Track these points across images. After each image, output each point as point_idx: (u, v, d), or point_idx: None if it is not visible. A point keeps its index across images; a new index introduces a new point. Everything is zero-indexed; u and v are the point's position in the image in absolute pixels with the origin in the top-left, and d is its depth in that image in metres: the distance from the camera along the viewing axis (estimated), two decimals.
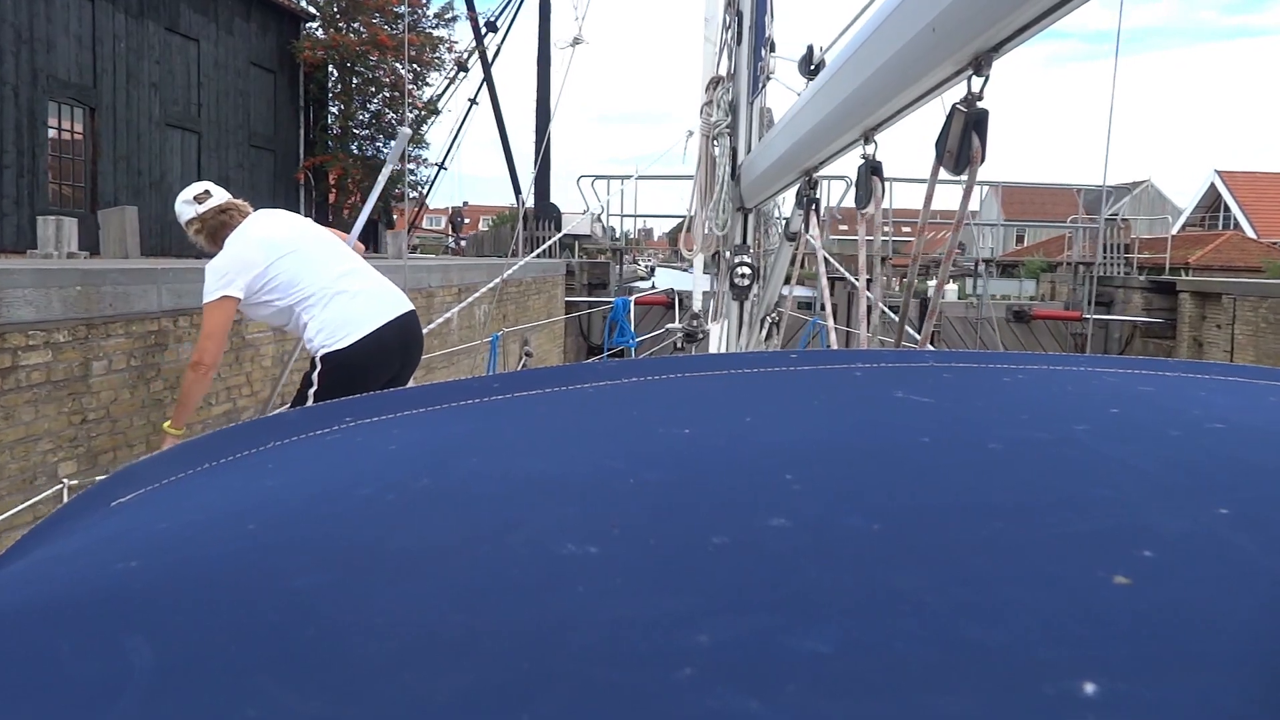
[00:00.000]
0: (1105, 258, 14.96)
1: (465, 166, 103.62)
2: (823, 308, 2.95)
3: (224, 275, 3.07)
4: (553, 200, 17.16)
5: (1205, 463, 0.44)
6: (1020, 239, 19.27)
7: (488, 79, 18.57)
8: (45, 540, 0.49)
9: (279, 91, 16.15)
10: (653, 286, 12.58)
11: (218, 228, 3.22)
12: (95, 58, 11.68)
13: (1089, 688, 0.26)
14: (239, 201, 3.33)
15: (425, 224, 26.98)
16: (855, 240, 2.17)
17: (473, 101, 19.19)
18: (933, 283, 14.39)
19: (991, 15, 1.05)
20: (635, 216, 15.66)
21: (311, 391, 3.05)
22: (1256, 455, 0.46)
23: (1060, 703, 0.25)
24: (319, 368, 3.06)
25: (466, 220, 25.34)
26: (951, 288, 15.74)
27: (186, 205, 3.26)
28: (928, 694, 0.26)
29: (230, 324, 3.14)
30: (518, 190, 18.53)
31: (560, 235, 12.27)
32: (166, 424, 3.20)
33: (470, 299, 6.77)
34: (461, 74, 19.00)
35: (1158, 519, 0.37)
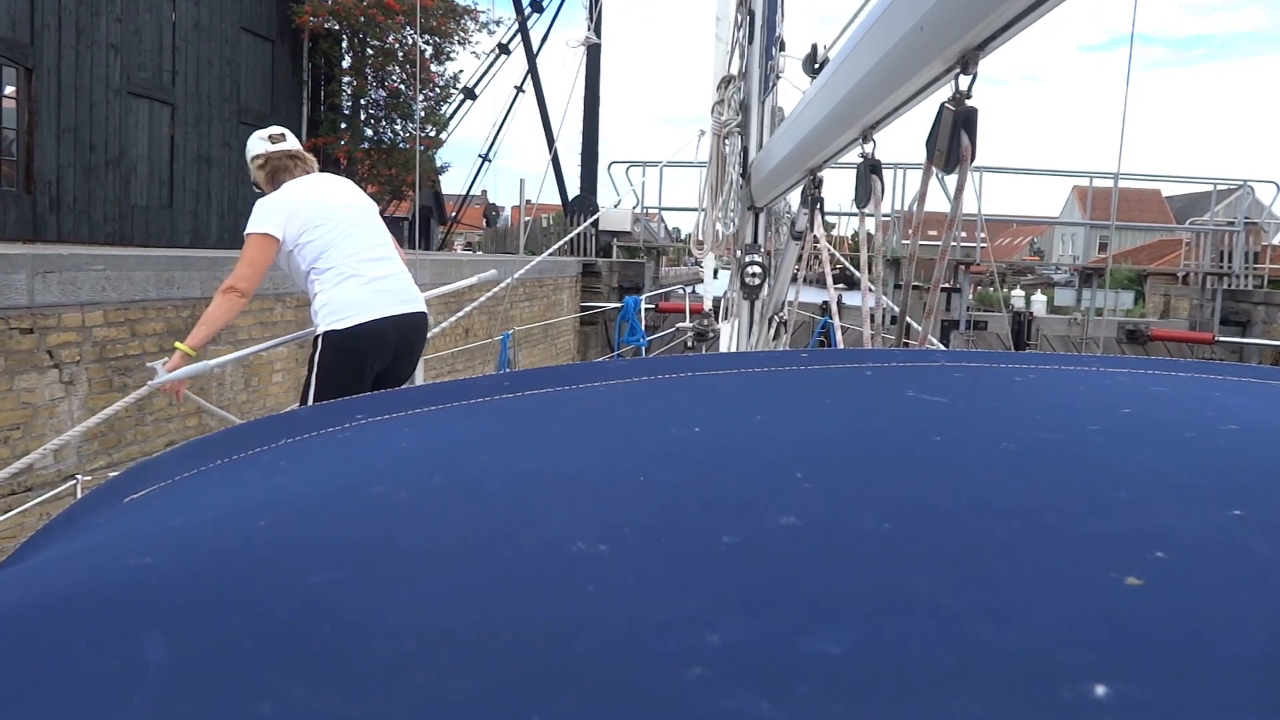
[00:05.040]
0: (1242, 268, 12.67)
1: (525, 163, 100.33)
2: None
3: (271, 213, 3.11)
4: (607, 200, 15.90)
5: (1219, 464, 0.44)
6: (1103, 246, 17.81)
7: (531, 64, 17.23)
8: (59, 536, 0.49)
9: (278, 63, 14.10)
10: (692, 290, 11.53)
11: (278, 170, 3.27)
12: (34, 9, 9.69)
13: (1105, 691, 0.26)
14: (310, 158, 3.39)
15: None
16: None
17: (519, 89, 17.84)
18: (1016, 292, 13.78)
19: (974, 13, 1.06)
20: (692, 211, 14.24)
21: (314, 374, 3.08)
22: (1271, 456, 0.46)
23: (1076, 706, 0.25)
24: (319, 347, 3.09)
25: (501, 216, 24.33)
26: (1040, 299, 14.58)
27: (259, 140, 3.33)
28: (941, 696, 0.26)
29: (269, 262, 3.14)
30: (562, 188, 17.43)
31: (578, 231, 11.26)
32: (179, 342, 3.13)
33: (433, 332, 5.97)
34: (503, 56, 17.40)
35: (1172, 521, 0.37)
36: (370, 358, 3.13)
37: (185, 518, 0.47)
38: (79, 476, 3.37)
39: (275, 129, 3.38)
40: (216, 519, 0.45)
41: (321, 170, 3.46)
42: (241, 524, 0.43)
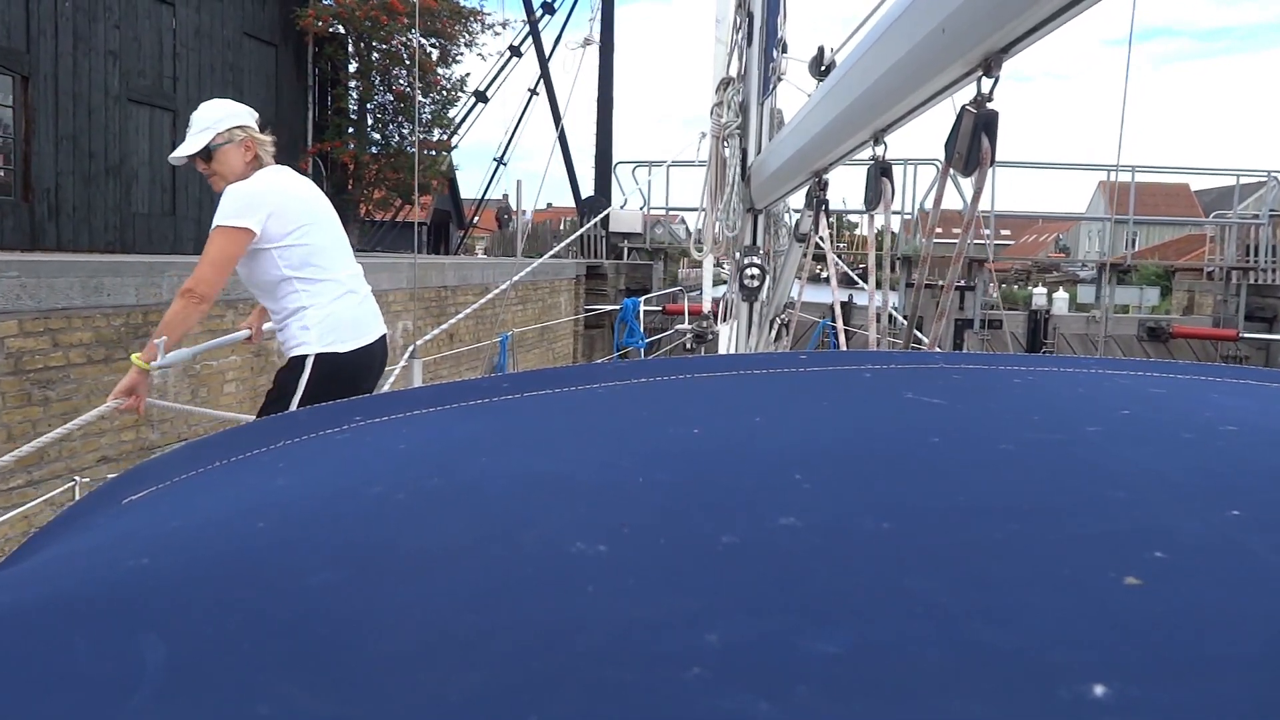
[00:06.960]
0: (1270, 261, 12.18)
1: (540, 165, 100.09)
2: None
3: (252, 205, 2.69)
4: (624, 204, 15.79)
5: (1218, 465, 0.44)
6: (1130, 242, 16.91)
7: (543, 67, 16.88)
8: (57, 537, 0.49)
9: (281, 68, 13.83)
10: (697, 292, 11.07)
11: (253, 160, 2.83)
12: (29, 16, 9.52)
13: (1103, 691, 0.26)
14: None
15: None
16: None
17: (532, 92, 17.53)
18: (1039, 290, 13.58)
19: (1002, 16, 1.04)
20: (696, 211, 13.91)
21: (296, 397, 2.72)
22: (1269, 457, 0.46)
23: (1074, 706, 0.25)
24: (307, 369, 2.73)
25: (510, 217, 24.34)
26: (1062, 297, 14.06)
27: (248, 114, 2.89)
28: (940, 697, 0.26)
29: (236, 258, 2.71)
30: (576, 191, 17.22)
31: (582, 231, 11.00)
32: (135, 355, 2.73)
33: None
34: (515, 59, 17.24)
35: (1171, 521, 0.37)
36: (362, 386, 2.84)
37: (184, 519, 0.47)
38: (77, 478, 3.33)
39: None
40: (215, 520, 0.45)
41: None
42: (240, 525, 0.43)
